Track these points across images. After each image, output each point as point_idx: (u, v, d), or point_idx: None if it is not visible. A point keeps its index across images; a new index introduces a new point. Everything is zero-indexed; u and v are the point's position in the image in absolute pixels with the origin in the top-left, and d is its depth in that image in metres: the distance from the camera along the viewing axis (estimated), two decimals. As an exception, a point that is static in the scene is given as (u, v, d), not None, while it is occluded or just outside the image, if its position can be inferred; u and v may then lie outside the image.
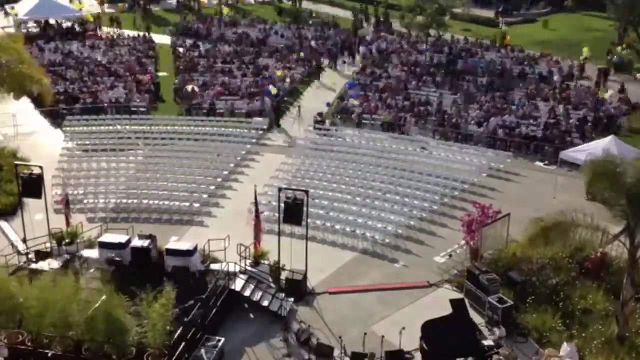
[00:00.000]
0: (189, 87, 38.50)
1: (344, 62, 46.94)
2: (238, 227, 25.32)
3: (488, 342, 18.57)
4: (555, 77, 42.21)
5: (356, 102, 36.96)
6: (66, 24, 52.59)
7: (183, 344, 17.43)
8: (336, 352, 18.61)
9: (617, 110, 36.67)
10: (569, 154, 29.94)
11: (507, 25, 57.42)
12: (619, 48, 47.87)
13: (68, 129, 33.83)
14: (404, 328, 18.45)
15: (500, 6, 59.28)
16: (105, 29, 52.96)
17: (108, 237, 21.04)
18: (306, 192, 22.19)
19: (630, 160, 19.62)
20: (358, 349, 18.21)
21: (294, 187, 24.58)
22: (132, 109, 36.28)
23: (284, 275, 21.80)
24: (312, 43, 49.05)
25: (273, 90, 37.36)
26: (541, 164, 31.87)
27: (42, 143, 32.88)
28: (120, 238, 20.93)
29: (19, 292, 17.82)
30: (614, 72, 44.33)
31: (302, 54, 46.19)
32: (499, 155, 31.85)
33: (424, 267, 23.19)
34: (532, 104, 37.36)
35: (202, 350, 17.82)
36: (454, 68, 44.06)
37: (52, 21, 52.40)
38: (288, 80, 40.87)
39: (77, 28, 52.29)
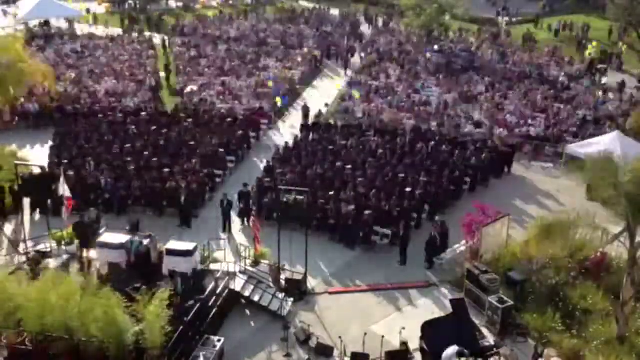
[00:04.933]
0: (189, 88, 38.51)
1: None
2: (238, 227, 25.35)
3: (488, 342, 18.59)
4: (558, 76, 42.23)
5: (357, 95, 36.85)
6: (66, 24, 52.72)
7: (182, 344, 17.44)
8: (336, 352, 18.63)
9: (617, 109, 36.67)
10: (574, 148, 29.92)
11: (507, 25, 57.46)
12: (622, 46, 47.96)
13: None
14: (404, 328, 18.47)
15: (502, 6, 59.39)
16: (105, 29, 53.00)
17: (108, 237, 21.00)
18: (306, 192, 22.22)
19: (631, 159, 19.57)
20: (358, 349, 18.21)
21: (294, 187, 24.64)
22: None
23: (284, 275, 21.82)
24: (311, 42, 49.14)
25: (277, 99, 37.23)
26: (541, 163, 31.86)
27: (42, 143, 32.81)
28: (120, 238, 20.90)
29: (18, 292, 17.80)
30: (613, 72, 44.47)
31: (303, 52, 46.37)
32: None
33: (424, 267, 23.18)
34: (533, 103, 37.39)
35: (202, 351, 17.82)
36: (454, 68, 44.03)
37: (52, 21, 52.43)
38: (288, 80, 40.89)
39: (77, 28, 52.33)
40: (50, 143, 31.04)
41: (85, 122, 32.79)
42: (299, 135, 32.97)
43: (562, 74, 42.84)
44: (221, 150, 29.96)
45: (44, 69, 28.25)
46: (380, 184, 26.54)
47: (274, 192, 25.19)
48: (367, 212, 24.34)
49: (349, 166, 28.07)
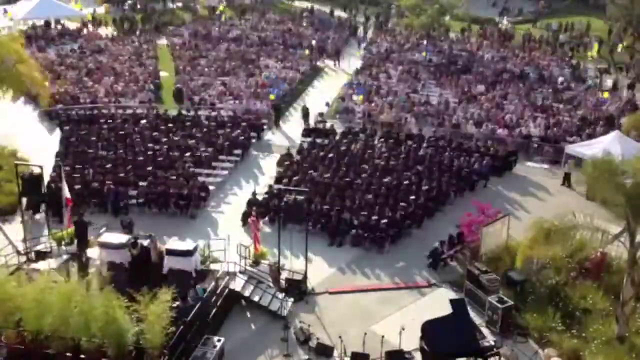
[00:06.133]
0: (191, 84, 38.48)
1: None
2: (238, 227, 25.35)
3: (488, 342, 18.58)
4: (558, 76, 42.24)
5: (360, 98, 36.78)
6: (65, 24, 52.73)
7: (182, 344, 17.43)
8: (336, 352, 18.62)
9: (617, 109, 36.67)
10: (574, 149, 29.93)
11: (508, 24, 57.45)
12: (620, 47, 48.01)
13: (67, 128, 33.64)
14: (404, 328, 18.46)
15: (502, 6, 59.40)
16: (105, 29, 52.99)
17: (108, 237, 20.99)
18: (306, 192, 22.22)
19: (631, 158, 19.57)
20: (358, 349, 18.21)
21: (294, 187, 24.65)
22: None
23: (284, 275, 21.81)
24: (313, 42, 49.11)
25: (271, 96, 37.21)
26: (542, 164, 31.84)
27: (42, 143, 32.78)
28: (121, 238, 20.90)
29: (18, 292, 17.79)
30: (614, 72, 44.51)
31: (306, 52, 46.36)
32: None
33: (424, 267, 23.18)
34: (532, 103, 37.38)
35: (202, 351, 17.81)
36: (453, 68, 44.01)
37: (51, 21, 52.42)
38: (287, 82, 40.86)
39: (77, 28, 52.31)
40: (52, 146, 31.09)
41: (88, 127, 32.71)
42: (301, 139, 32.89)
43: (562, 74, 42.84)
44: (219, 151, 30.05)
45: (38, 77, 28.04)
46: (384, 190, 26.56)
47: (275, 195, 25.22)
48: (374, 217, 24.53)
49: (352, 172, 28.11)
